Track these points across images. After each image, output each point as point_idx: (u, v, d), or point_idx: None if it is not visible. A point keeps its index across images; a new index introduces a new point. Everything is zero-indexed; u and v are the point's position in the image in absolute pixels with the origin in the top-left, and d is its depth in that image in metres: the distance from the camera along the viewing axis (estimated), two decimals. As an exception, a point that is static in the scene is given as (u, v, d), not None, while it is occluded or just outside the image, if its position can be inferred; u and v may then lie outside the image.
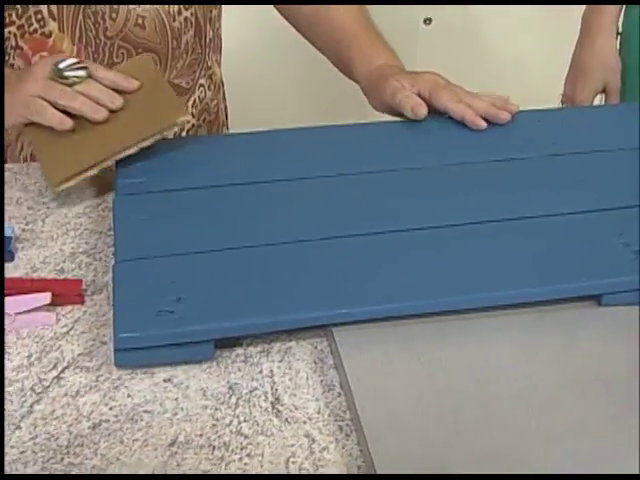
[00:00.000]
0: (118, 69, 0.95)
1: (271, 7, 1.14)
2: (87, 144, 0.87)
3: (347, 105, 2.12)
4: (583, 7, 2.10)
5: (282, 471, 0.62)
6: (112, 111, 0.88)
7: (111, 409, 0.66)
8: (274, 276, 0.72)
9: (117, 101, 0.89)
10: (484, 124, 0.92)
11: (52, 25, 0.97)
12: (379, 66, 1.02)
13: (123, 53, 1.00)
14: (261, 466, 0.62)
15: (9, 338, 0.72)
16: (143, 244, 0.76)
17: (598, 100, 1.32)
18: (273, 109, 1.98)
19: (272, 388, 0.68)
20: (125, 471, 0.61)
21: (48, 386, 0.68)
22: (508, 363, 0.69)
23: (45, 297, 0.72)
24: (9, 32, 0.97)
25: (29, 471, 0.61)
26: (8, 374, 0.69)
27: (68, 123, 0.87)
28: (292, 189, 0.83)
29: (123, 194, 0.82)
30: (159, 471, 0.61)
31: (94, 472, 0.61)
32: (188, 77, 1.07)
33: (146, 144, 0.86)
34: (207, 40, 1.08)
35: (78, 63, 0.90)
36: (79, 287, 0.75)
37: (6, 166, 0.94)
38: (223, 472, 0.61)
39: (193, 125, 1.10)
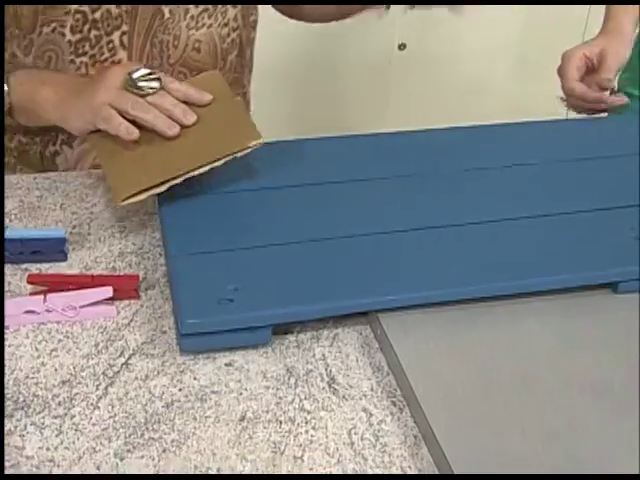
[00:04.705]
0: (189, 82, 0.95)
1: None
2: (155, 159, 0.86)
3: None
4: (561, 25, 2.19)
5: (346, 441, 0.67)
6: (184, 126, 0.88)
7: (180, 390, 0.71)
8: (323, 268, 0.78)
9: (190, 117, 0.88)
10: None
11: (122, 54, 1.01)
12: None
13: (181, 78, 1.03)
14: (326, 437, 0.67)
15: (75, 329, 0.76)
16: (194, 241, 0.81)
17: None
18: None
19: (326, 370, 0.74)
20: (202, 444, 0.66)
21: (118, 371, 0.72)
22: (539, 342, 0.75)
23: (107, 291, 0.77)
24: (80, 62, 1.00)
25: (113, 445, 0.66)
26: (79, 361, 0.73)
27: (135, 133, 0.86)
28: (328, 191, 0.89)
29: (166, 197, 0.87)
30: (234, 443, 0.67)
31: (174, 445, 0.66)
32: None
33: (217, 164, 0.85)
34: (246, 60, 1.14)
35: (151, 74, 0.89)
36: (136, 282, 0.80)
37: (45, 175, 0.98)
38: (293, 443, 0.67)
39: None
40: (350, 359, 0.75)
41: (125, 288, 0.79)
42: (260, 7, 1.15)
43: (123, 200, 0.83)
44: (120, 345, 0.75)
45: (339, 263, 0.79)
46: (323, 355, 0.75)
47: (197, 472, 0.64)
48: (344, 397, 0.71)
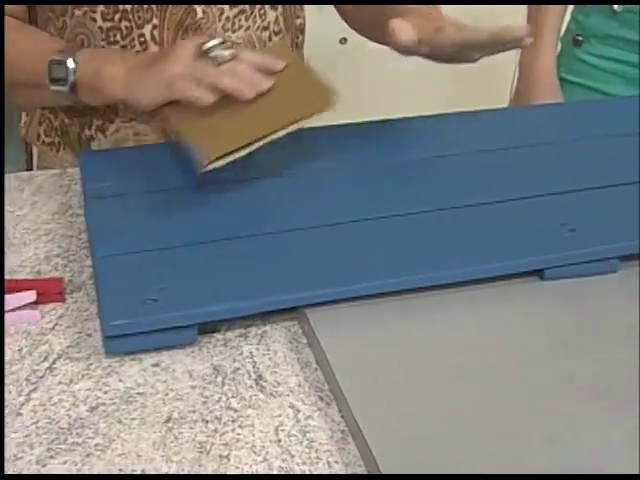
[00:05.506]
0: (261, 52, 0.95)
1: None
2: (235, 124, 0.86)
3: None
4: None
5: (273, 438, 0.67)
6: (260, 92, 0.87)
7: (105, 393, 0.70)
8: (249, 264, 0.78)
9: (267, 82, 0.87)
10: None
11: (153, 48, 1.00)
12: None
13: None
14: (253, 435, 0.67)
15: (-3, 335, 0.75)
16: (119, 241, 0.80)
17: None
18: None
19: (254, 367, 0.73)
20: (127, 447, 0.66)
21: (42, 376, 0.71)
22: (468, 333, 0.75)
23: (30, 295, 0.76)
24: None
25: (36, 452, 0.65)
26: (1, 367, 0.72)
27: (211, 98, 0.85)
28: (252, 188, 0.88)
29: (93, 197, 0.86)
30: (159, 444, 0.66)
31: (98, 449, 0.65)
32: None
33: (301, 125, 0.85)
34: None
35: (223, 43, 0.88)
36: (60, 285, 0.79)
37: (-31, 178, 0.97)
38: (219, 442, 0.66)
39: None
40: (278, 356, 0.75)
41: (49, 292, 0.78)
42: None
43: (208, 164, 0.82)
44: (44, 350, 0.74)
45: (265, 260, 0.79)
46: (251, 353, 0.75)
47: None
48: (271, 394, 0.71)
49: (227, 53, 0.87)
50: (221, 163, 0.83)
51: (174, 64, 0.87)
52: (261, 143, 0.84)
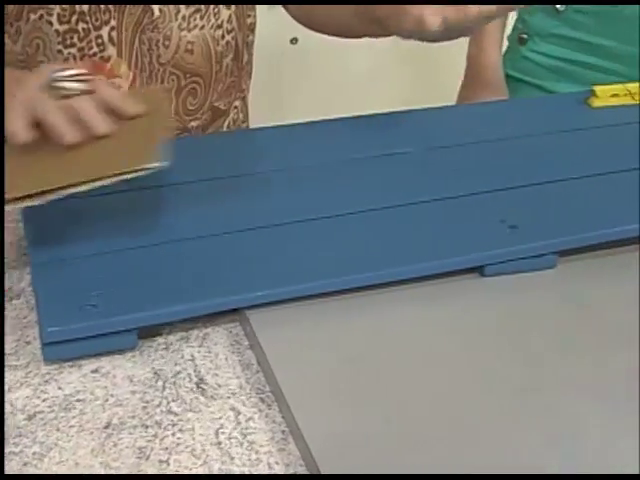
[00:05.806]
0: (132, 92, 0.92)
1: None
2: (53, 166, 0.78)
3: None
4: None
5: (213, 441, 0.67)
6: (90, 136, 0.79)
7: (44, 401, 0.69)
8: (188, 268, 0.78)
9: (102, 128, 0.79)
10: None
11: (111, 50, 1.00)
12: None
13: (173, 79, 1.04)
14: (193, 438, 0.67)
15: None
16: (56, 248, 0.79)
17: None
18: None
19: (195, 370, 0.73)
20: (65, 455, 0.65)
21: (-21, 385, 0.71)
22: (409, 331, 0.76)
23: (-33, 303, 0.75)
24: (69, 53, 0.99)
25: (-29, 462, 0.64)
26: (-63, 377, 0.71)
27: (25, 134, 0.78)
28: (190, 191, 0.88)
29: (31, 204, 0.85)
30: (97, 451, 0.65)
31: (35, 458, 0.65)
32: (226, 99, 1.12)
33: (102, 183, 0.75)
34: (243, 63, 1.13)
35: (80, 75, 0.81)
36: (-2, 293, 0.78)
37: None
38: (158, 447, 0.66)
39: None
40: (219, 358, 0.74)
41: (-13, 299, 0.77)
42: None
43: (7, 204, 0.76)
44: (-19, 358, 0.73)
45: (205, 262, 0.79)
46: (192, 356, 0.74)
47: (59, 483, 0.63)
48: (212, 397, 0.71)
49: (75, 86, 0.81)
50: (22, 204, 0.76)
51: (21, 91, 0.81)
52: (60, 193, 0.75)
